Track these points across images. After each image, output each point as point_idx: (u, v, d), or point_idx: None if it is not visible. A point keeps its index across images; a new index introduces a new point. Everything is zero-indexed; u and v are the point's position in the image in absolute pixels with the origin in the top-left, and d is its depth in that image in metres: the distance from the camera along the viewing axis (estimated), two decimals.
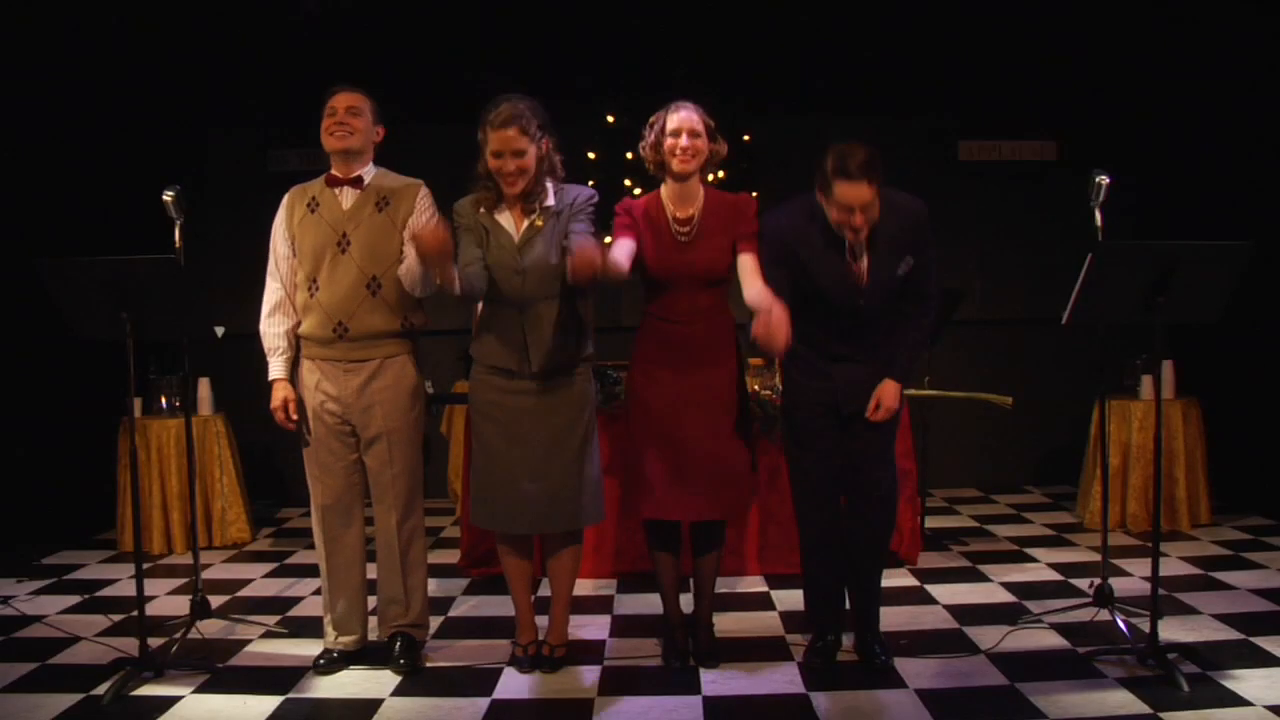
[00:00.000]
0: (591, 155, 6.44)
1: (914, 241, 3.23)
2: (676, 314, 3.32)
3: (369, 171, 3.39)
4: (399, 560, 3.40)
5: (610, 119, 6.43)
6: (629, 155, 6.50)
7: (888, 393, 3.25)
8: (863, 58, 6.39)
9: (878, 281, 3.21)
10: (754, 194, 3.51)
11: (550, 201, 3.29)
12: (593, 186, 6.77)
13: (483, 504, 3.36)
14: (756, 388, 4.53)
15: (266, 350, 3.40)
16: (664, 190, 3.40)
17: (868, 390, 3.26)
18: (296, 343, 3.41)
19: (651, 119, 3.37)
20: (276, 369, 3.39)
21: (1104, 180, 3.55)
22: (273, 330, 3.39)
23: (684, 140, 3.26)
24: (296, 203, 3.39)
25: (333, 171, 3.38)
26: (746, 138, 6.42)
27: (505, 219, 3.29)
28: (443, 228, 3.03)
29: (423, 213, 3.35)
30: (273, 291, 3.41)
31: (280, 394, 3.37)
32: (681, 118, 3.29)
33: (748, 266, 3.26)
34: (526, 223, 3.26)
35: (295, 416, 3.37)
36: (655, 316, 3.37)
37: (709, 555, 3.47)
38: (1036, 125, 6.53)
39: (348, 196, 3.35)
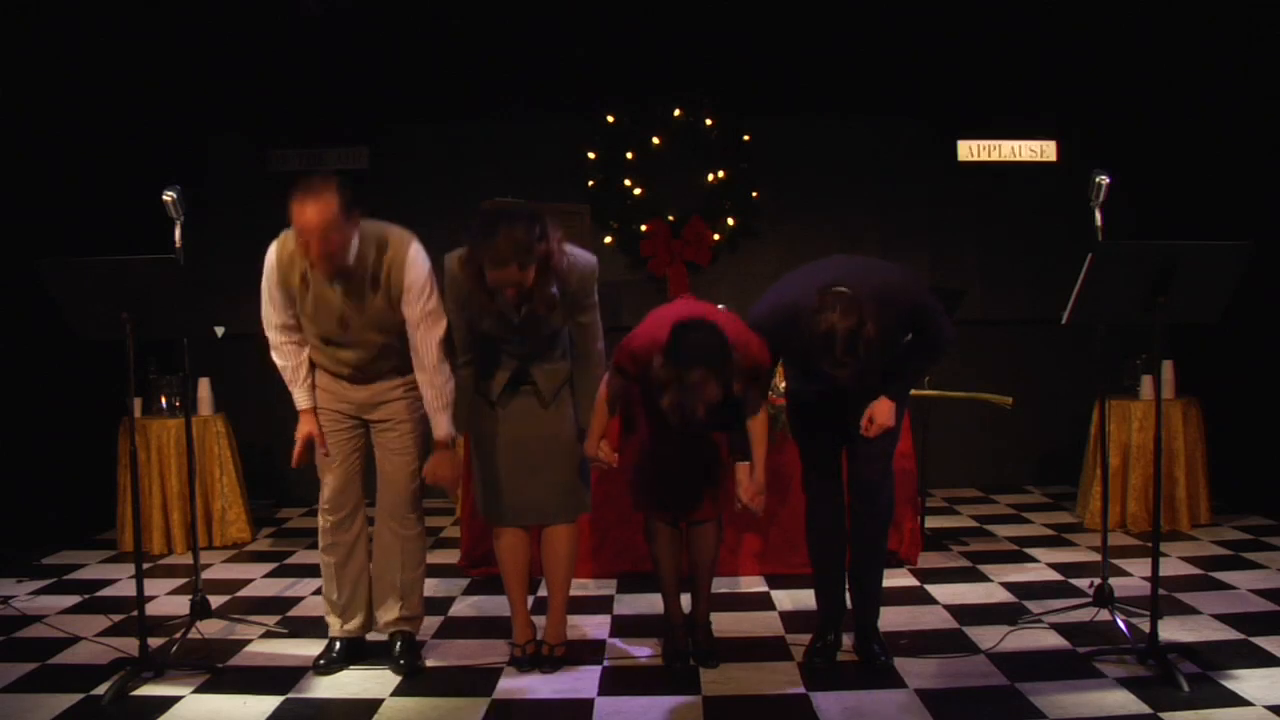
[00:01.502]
0: (591, 155, 6.45)
1: (911, 321, 3.15)
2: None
3: (353, 252, 3.14)
4: (398, 551, 3.43)
5: (610, 119, 6.43)
6: (629, 155, 6.52)
7: (881, 410, 3.21)
8: (862, 58, 6.39)
9: (872, 369, 3.08)
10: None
11: (553, 290, 3.17)
12: (592, 186, 6.83)
13: (491, 500, 3.42)
14: None
15: (287, 381, 3.37)
16: None
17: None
18: (311, 364, 3.39)
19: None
20: (303, 399, 3.37)
21: (1104, 180, 3.55)
22: (289, 363, 3.35)
23: None
24: (290, 270, 3.21)
25: None
26: (746, 138, 6.43)
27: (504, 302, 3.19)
28: (451, 468, 3.30)
29: (419, 295, 3.20)
30: (275, 324, 3.31)
31: (305, 428, 3.37)
32: None
33: (758, 427, 3.28)
34: (527, 308, 3.18)
35: (322, 449, 3.38)
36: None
37: (706, 555, 3.47)
38: (1036, 125, 6.53)
39: (339, 283, 3.19)
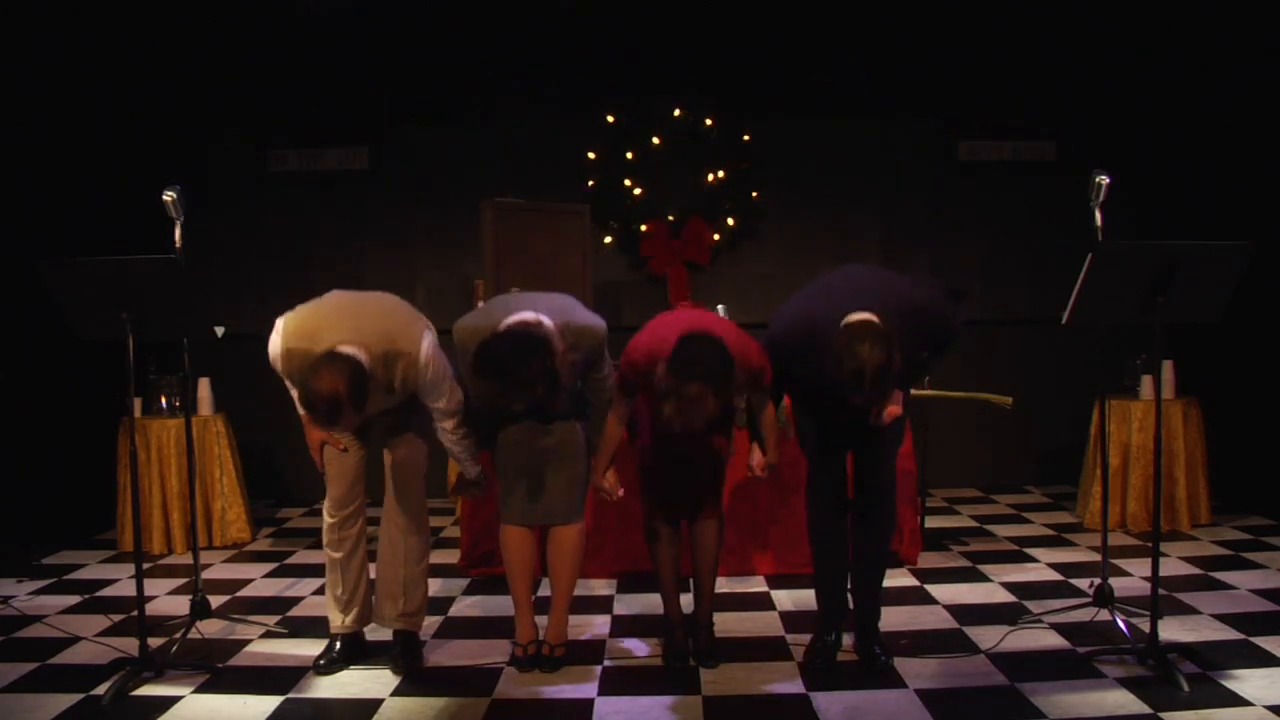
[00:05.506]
0: (591, 155, 6.45)
1: (928, 333, 3.14)
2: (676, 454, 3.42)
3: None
4: (401, 548, 3.45)
5: (610, 119, 6.43)
6: (629, 155, 6.52)
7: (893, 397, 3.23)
8: (863, 58, 6.40)
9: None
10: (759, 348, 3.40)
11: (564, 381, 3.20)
12: (592, 186, 6.82)
13: (512, 501, 3.45)
14: None
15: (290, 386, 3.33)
16: None
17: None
18: None
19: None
20: None
21: (1104, 180, 3.54)
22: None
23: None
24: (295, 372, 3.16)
25: None
26: (746, 138, 6.43)
27: None
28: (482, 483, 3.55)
29: (442, 393, 3.24)
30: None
31: (319, 436, 3.33)
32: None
33: (767, 420, 3.41)
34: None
35: (339, 446, 3.36)
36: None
37: (709, 555, 3.49)
38: (1036, 125, 6.53)
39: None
